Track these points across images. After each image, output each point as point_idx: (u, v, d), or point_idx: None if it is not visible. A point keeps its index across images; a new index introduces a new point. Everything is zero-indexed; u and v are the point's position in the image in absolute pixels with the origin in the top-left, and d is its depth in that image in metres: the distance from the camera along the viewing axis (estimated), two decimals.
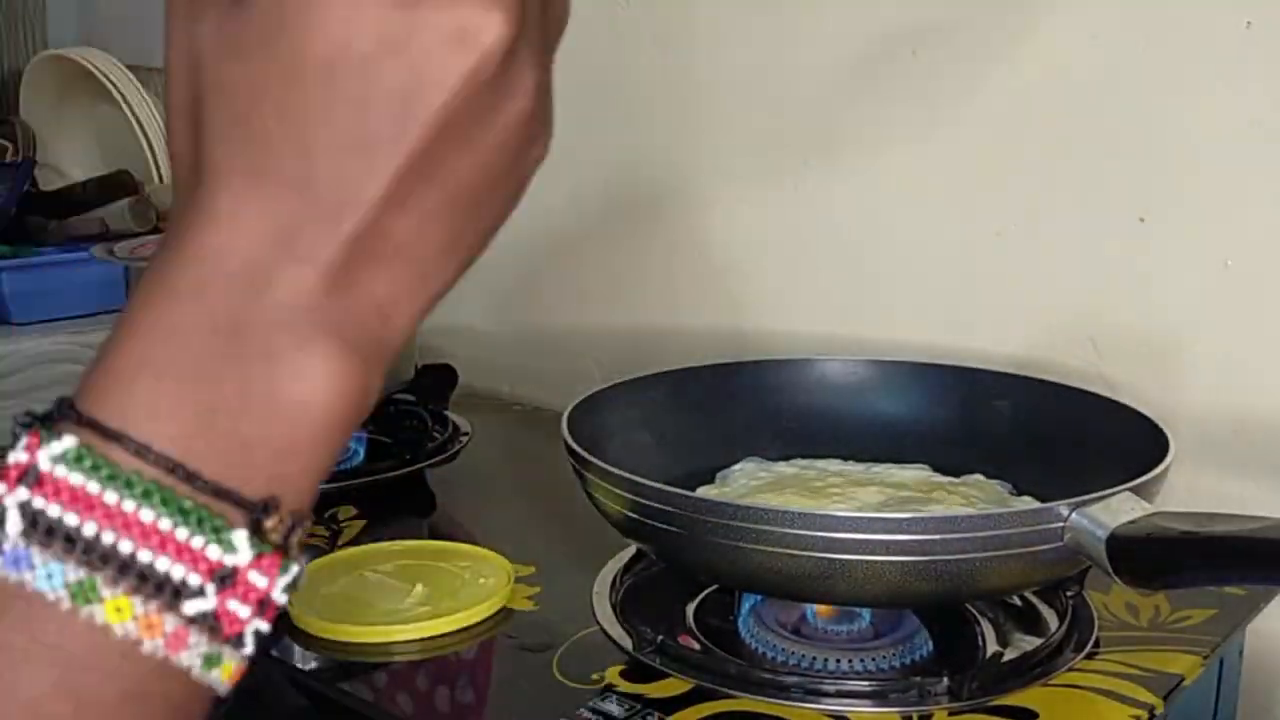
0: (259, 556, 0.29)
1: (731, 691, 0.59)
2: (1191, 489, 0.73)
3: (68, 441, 0.28)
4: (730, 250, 1.00)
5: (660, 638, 0.62)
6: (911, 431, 0.79)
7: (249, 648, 0.29)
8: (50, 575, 0.27)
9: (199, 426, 0.28)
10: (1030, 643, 0.63)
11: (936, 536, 0.55)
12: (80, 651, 0.27)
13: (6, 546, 0.27)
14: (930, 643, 0.64)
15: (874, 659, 0.62)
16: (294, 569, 0.29)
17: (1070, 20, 0.81)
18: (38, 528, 0.27)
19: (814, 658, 0.62)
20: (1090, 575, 0.64)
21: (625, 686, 0.59)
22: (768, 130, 0.96)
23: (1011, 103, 0.84)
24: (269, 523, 0.29)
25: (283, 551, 0.29)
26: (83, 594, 0.27)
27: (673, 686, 0.59)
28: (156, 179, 1.37)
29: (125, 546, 0.27)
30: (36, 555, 0.27)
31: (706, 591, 0.69)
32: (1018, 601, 0.68)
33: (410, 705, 0.60)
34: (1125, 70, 0.79)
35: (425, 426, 0.98)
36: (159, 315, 0.29)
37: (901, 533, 0.55)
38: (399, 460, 0.90)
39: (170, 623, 0.28)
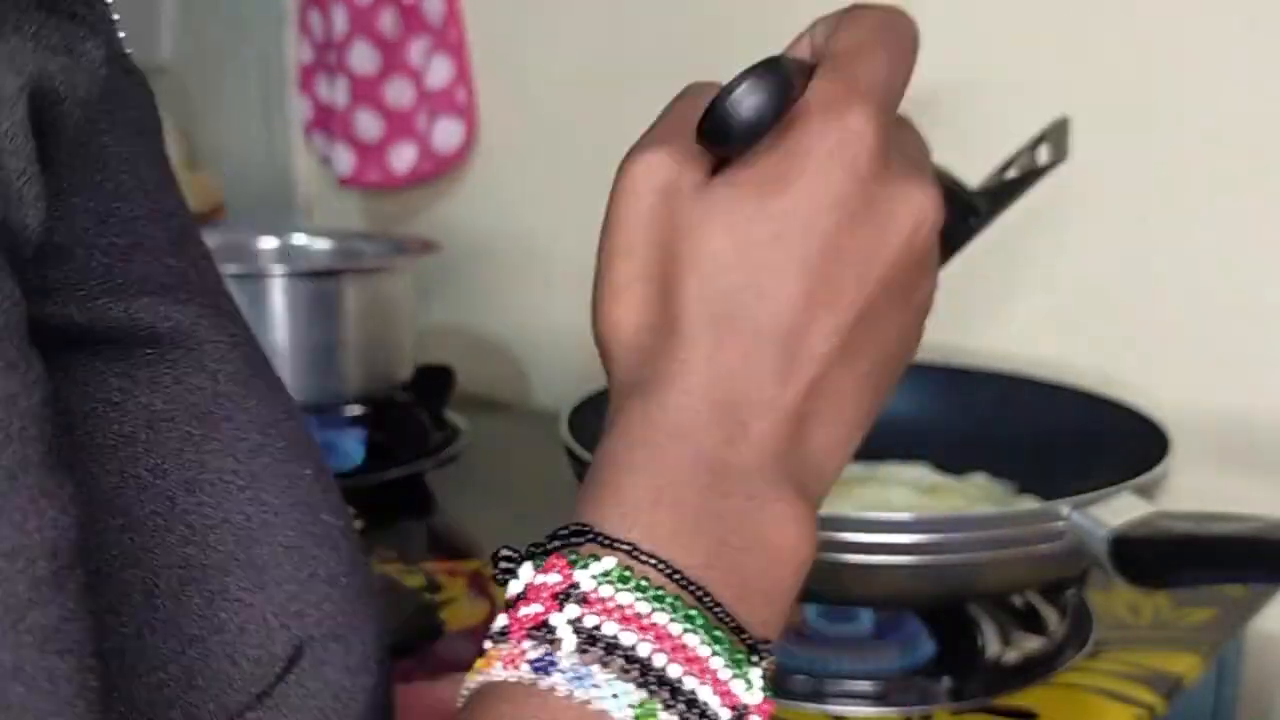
0: (764, 700, 0.28)
1: None
2: (1191, 489, 0.73)
3: (607, 562, 0.28)
4: None
5: None
6: (912, 431, 0.78)
7: None
8: (616, 695, 0.27)
9: (711, 558, 0.29)
10: (1031, 643, 0.63)
11: (937, 537, 0.55)
12: None
13: (565, 664, 0.27)
14: (931, 643, 0.63)
15: (875, 660, 0.62)
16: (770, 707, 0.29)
17: (1070, 20, 0.81)
18: (595, 645, 0.27)
19: (814, 658, 0.61)
20: (1091, 575, 0.64)
21: None
22: None
23: (1010, 102, 0.84)
24: (765, 663, 0.29)
25: (769, 691, 0.29)
26: (644, 713, 0.27)
27: None
28: None
29: (674, 671, 0.27)
30: (599, 673, 0.27)
31: None
32: (1019, 602, 0.68)
33: None
34: (1125, 69, 0.79)
35: (424, 428, 0.97)
36: (655, 453, 0.30)
37: (902, 533, 0.55)
38: (398, 462, 0.90)
39: None
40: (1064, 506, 0.56)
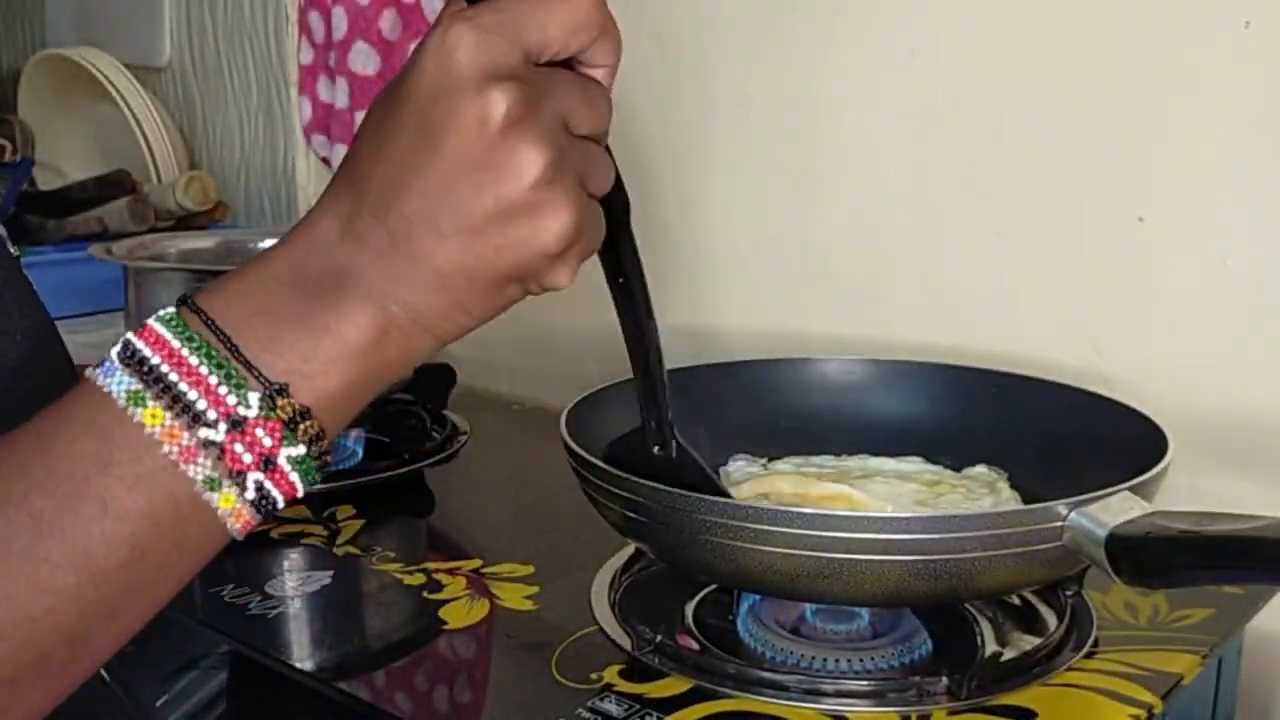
0: (265, 418, 0.39)
1: (730, 691, 0.59)
2: (1191, 489, 0.73)
3: (169, 310, 0.40)
4: (729, 250, 1.00)
5: (659, 637, 0.62)
6: (910, 431, 0.78)
7: (250, 493, 0.39)
8: (119, 382, 0.39)
9: (254, 320, 0.40)
10: (1029, 642, 0.63)
11: (935, 536, 0.55)
12: (119, 436, 0.39)
13: (108, 363, 0.40)
14: (929, 642, 0.63)
15: (873, 658, 0.62)
16: (299, 448, 0.40)
17: (1070, 20, 0.81)
18: (128, 355, 0.39)
19: (813, 657, 0.62)
20: (1089, 575, 0.64)
21: (624, 686, 0.59)
22: (767, 130, 0.96)
23: (1010, 103, 0.84)
24: (280, 400, 0.39)
25: (289, 428, 0.39)
26: (134, 398, 0.39)
27: (671, 686, 0.59)
28: (154, 178, 1.37)
29: (172, 376, 0.39)
30: (119, 370, 0.39)
31: (705, 591, 0.69)
32: (1017, 601, 0.68)
33: (409, 705, 0.60)
34: (1125, 70, 0.79)
35: (424, 426, 0.98)
36: (263, 257, 0.42)
37: (900, 532, 0.55)
38: (398, 460, 0.90)
39: (186, 438, 0.39)
40: (1062, 506, 0.56)
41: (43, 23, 1.65)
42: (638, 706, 0.57)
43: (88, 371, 0.40)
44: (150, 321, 0.40)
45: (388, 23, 1.16)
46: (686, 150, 1.01)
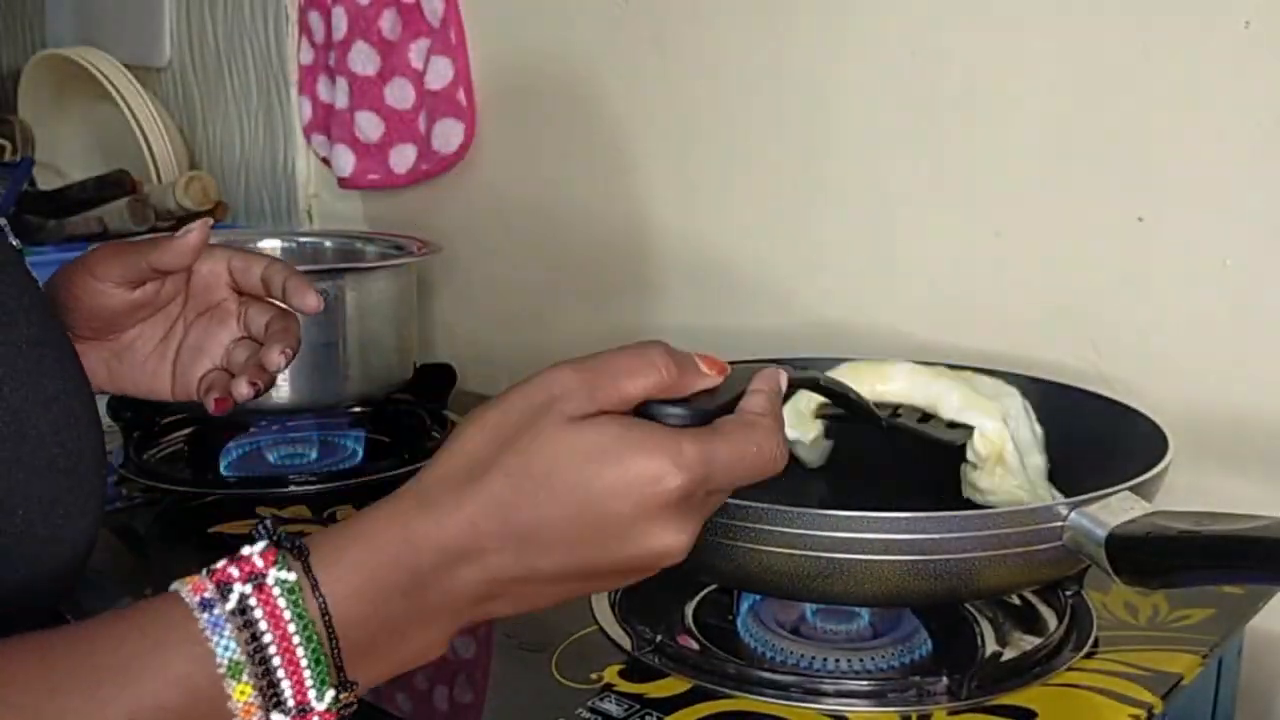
0: (329, 711, 0.42)
1: (730, 691, 0.59)
2: (1191, 489, 0.73)
3: (292, 576, 0.41)
4: (729, 250, 1.00)
5: (659, 637, 0.62)
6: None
7: None
8: (226, 648, 0.40)
9: (362, 622, 0.42)
10: (1029, 642, 0.63)
11: (935, 536, 0.55)
12: (205, 703, 0.40)
13: (218, 612, 0.40)
14: (929, 642, 0.64)
15: (873, 658, 0.62)
16: None
17: (1070, 20, 0.81)
18: (241, 615, 0.40)
19: (813, 657, 0.62)
20: (1090, 575, 0.64)
21: (624, 686, 0.59)
22: (767, 132, 0.96)
23: (1011, 102, 0.84)
24: (344, 695, 0.42)
25: (340, 716, 0.42)
26: (233, 669, 0.40)
27: (671, 686, 0.59)
28: (154, 179, 1.37)
29: (275, 661, 0.40)
30: (228, 630, 0.40)
31: (705, 591, 0.69)
32: (1017, 601, 0.68)
33: (409, 705, 0.60)
34: (1125, 70, 0.79)
35: (424, 426, 0.98)
36: (389, 530, 0.42)
37: (900, 532, 0.55)
38: (398, 460, 0.90)
39: (259, 718, 0.40)
40: (1062, 506, 0.56)
41: (43, 23, 1.65)
42: (638, 706, 0.57)
43: (183, 592, 0.41)
44: (272, 585, 0.41)
45: (388, 23, 1.16)
46: (686, 149, 1.01)
